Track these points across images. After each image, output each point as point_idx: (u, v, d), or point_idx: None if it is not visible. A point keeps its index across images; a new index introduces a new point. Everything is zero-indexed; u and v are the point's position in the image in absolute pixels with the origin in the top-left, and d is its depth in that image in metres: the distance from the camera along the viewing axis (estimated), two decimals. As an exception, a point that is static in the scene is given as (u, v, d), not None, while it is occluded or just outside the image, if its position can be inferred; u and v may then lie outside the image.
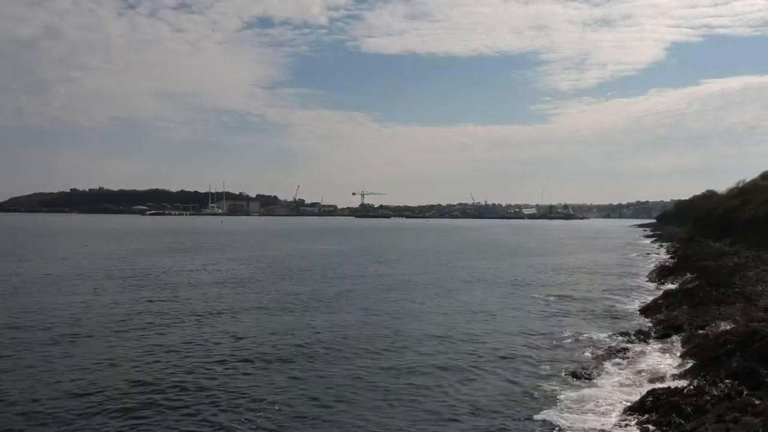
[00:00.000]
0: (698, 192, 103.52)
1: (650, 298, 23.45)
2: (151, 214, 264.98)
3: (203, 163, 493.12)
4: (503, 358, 14.60)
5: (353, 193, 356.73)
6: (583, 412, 10.66)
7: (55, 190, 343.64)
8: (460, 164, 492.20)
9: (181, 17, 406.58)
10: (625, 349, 14.86)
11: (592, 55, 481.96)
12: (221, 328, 17.27)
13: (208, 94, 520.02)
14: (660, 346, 15.24)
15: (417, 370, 13.36)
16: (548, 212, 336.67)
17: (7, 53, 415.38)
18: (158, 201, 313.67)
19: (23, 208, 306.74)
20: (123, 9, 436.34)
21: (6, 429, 9.82)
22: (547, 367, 13.71)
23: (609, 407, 10.76)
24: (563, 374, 13.04)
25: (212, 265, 37.38)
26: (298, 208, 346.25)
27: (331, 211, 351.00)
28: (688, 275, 27.93)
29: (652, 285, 29.24)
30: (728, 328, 15.00)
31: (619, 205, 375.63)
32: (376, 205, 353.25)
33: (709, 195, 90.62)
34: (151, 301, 21.95)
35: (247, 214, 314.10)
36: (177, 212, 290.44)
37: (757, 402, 9.47)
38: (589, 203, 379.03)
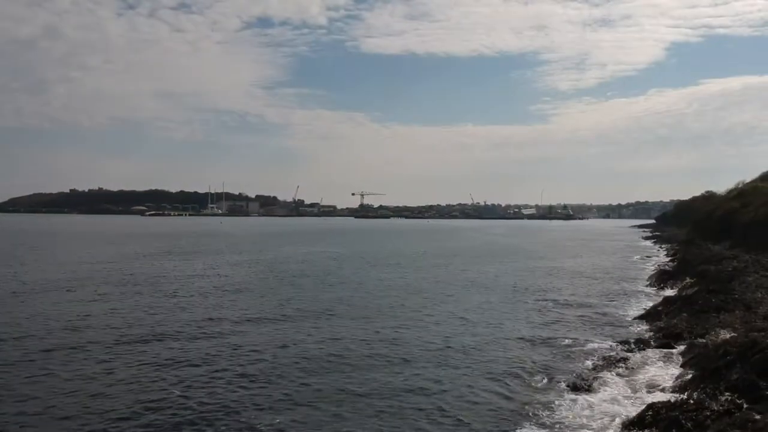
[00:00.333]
0: (698, 192, 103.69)
1: (650, 304, 23.38)
2: (150, 215, 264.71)
3: (203, 164, 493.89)
4: (499, 368, 14.46)
5: (353, 194, 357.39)
6: (580, 426, 10.59)
7: (54, 191, 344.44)
8: (459, 164, 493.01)
9: (180, 17, 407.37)
10: (625, 359, 14.76)
11: (591, 55, 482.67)
12: (219, 339, 17.12)
13: (207, 94, 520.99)
14: (660, 355, 15.15)
15: (409, 381, 13.23)
16: (548, 213, 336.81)
17: (7, 53, 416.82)
18: (158, 201, 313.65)
19: (23, 209, 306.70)
20: (122, 9, 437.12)
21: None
22: (545, 377, 13.61)
23: (608, 421, 10.68)
24: (561, 385, 12.94)
25: (211, 270, 37.33)
26: (297, 208, 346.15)
27: (331, 211, 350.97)
28: (688, 280, 27.84)
29: (651, 290, 29.16)
30: (728, 336, 14.94)
31: (619, 206, 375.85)
32: (375, 206, 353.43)
33: (709, 196, 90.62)
34: (148, 311, 21.75)
35: (247, 214, 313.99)
36: (176, 213, 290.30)
37: (757, 417, 9.39)
38: (588, 203, 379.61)
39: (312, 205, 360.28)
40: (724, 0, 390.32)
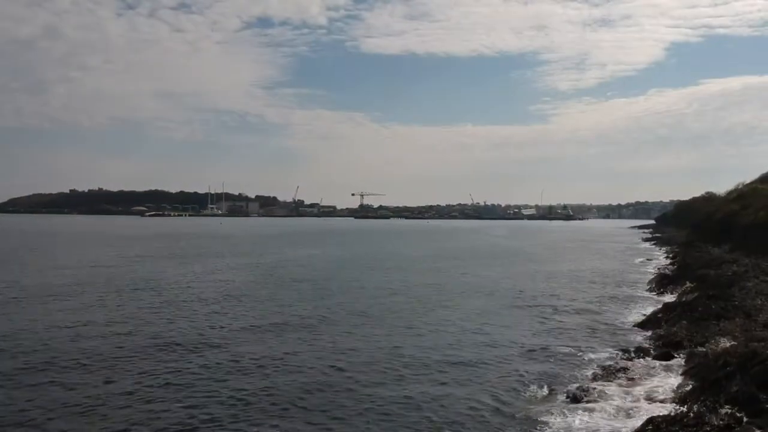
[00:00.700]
0: (698, 192, 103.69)
1: (650, 310, 23.37)
2: (150, 215, 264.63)
3: (203, 164, 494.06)
4: (498, 378, 14.44)
5: (352, 194, 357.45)
6: (580, 441, 10.58)
7: (54, 191, 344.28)
8: (459, 164, 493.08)
9: (180, 17, 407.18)
10: (625, 369, 14.74)
11: (591, 55, 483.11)
12: (219, 350, 16.99)
13: (207, 94, 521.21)
14: (660, 364, 15.14)
15: (404, 392, 13.21)
16: (548, 213, 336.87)
17: (7, 53, 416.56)
18: (157, 202, 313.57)
19: (22, 209, 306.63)
20: (122, 9, 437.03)
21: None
22: (544, 388, 13.55)
23: (608, 435, 10.68)
24: (561, 397, 12.91)
25: (212, 276, 37.35)
26: (297, 208, 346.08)
27: (331, 211, 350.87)
28: (688, 284, 27.86)
29: (651, 294, 29.16)
30: (728, 345, 14.94)
31: (619, 206, 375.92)
32: (375, 206, 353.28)
33: (709, 197, 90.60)
34: (148, 319, 21.63)
35: (247, 215, 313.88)
36: (176, 213, 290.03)
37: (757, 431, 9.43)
38: (588, 203, 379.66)
39: (312, 205, 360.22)
40: (724, 0, 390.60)
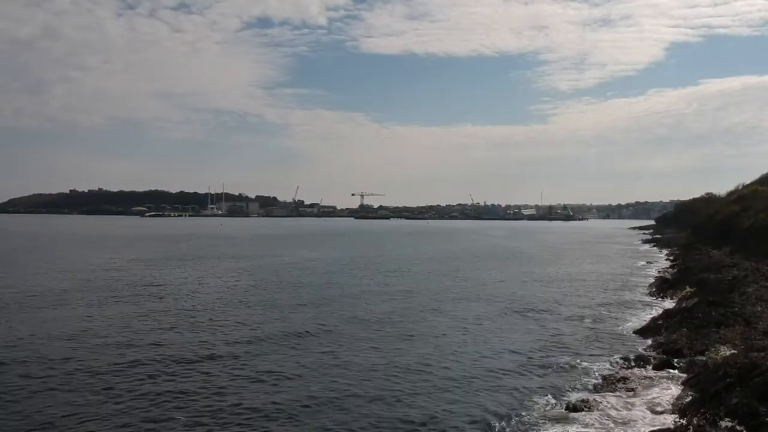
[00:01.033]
0: (698, 192, 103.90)
1: (650, 316, 23.34)
2: (150, 216, 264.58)
3: (202, 164, 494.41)
4: (495, 386, 14.39)
5: (352, 194, 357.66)
6: (580, 454, 10.55)
7: (54, 191, 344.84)
8: (459, 164, 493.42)
9: (180, 17, 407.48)
10: (625, 378, 14.70)
11: (591, 55, 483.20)
12: (218, 361, 16.88)
13: (207, 94, 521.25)
14: (660, 374, 15.10)
15: (400, 401, 13.19)
16: (547, 213, 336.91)
17: (6, 53, 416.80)
18: (157, 202, 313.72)
19: (22, 209, 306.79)
20: (122, 9, 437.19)
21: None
22: (544, 398, 13.50)
23: (607, 449, 10.64)
24: (560, 407, 12.87)
25: (212, 280, 37.30)
26: (297, 209, 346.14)
27: (331, 212, 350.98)
28: (688, 289, 27.84)
29: (651, 299, 29.11)
30: (728, 354, 14.91)
31: (619, 206, 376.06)
32: (375, 206, 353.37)
33: (709, 198, 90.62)
34: (148, 327, 21.50)
35: (247, 215, 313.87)
36: (176, 213, 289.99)
37: (757, 447, 9.40)
38: (588, 203, 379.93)
39: (312, 205, 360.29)
40: (724, 0, 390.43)
